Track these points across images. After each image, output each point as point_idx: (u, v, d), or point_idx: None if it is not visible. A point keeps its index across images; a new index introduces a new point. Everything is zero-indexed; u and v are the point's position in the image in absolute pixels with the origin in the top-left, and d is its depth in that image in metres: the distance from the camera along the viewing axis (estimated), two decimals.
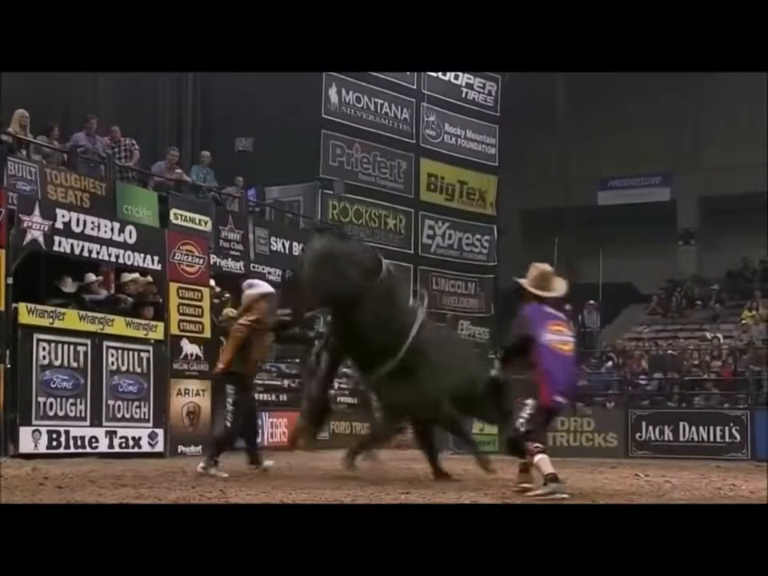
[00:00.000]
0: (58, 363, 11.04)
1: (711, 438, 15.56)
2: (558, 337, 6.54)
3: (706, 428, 15.58)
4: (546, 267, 6.83)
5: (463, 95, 21.80)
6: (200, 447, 12.48)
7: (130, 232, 12.25)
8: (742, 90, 21.75)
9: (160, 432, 12.14)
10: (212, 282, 13.70)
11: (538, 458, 6.41)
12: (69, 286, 11.91)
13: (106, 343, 11.61)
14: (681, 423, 15.72)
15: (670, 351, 18.60)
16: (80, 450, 11.04)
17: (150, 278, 12.69)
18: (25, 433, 10.60)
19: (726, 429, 15.52)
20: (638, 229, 24.06)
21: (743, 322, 19.56)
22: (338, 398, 15.03)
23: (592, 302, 20.93)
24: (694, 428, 15.63)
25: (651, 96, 23.36)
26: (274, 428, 13.79)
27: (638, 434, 15.92)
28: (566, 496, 6.26)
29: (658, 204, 24.60)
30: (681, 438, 15.54)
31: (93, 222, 11.82)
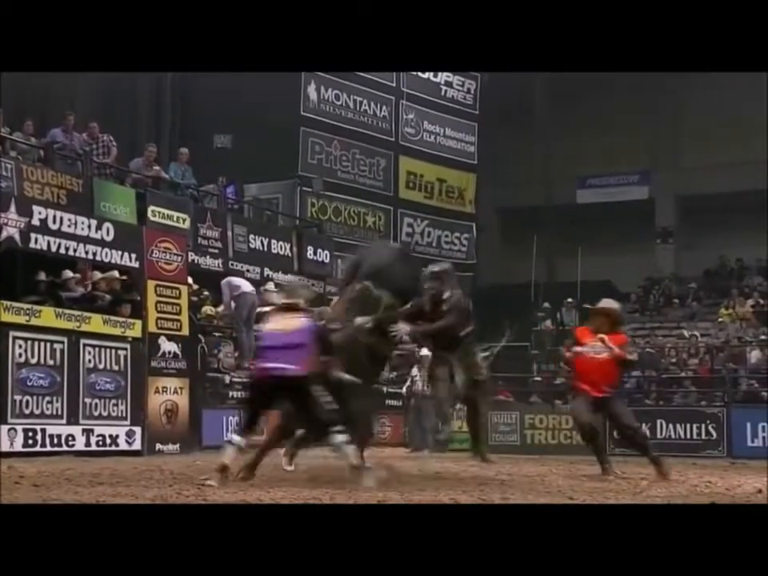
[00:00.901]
0: (34, 361, 10.96)
1: (688, 436, 15.65)
2: (277, 325, 7.30)
3: (682, 425, 15.67)
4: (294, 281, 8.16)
5: (442, 93, 21.82)
6: (177, 445, 12.45)
7: (108, 229, 12.17)
8: (721, 89, 21.85)
9: (138, 430, 12.07)
10: (190, 280, 13.64)
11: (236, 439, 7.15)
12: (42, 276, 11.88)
13: (82, 341, 11.54)
14: (658, 421, 15.79)
15: (647, 349, 18.69)
16: (56, 449, 10.97)
17: (118, 276, 12.60)
18: (1, 431, 10.52)
19: (703, 426, 15.61)
20: (617, 227, 24.17)
21: (720, 320, 19.69)
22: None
23: (570, 300, 21.00)
24: (671, 425, 15.71)
25: (630, 95, 23.45)
26: None
27: (615, 432, 15.98)
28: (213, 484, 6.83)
29: (636, 202, 24.72)
30: (658, 436, 15.59)
31: (70, 219, 11.74)
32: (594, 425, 8.98)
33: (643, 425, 15.94)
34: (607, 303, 9.13)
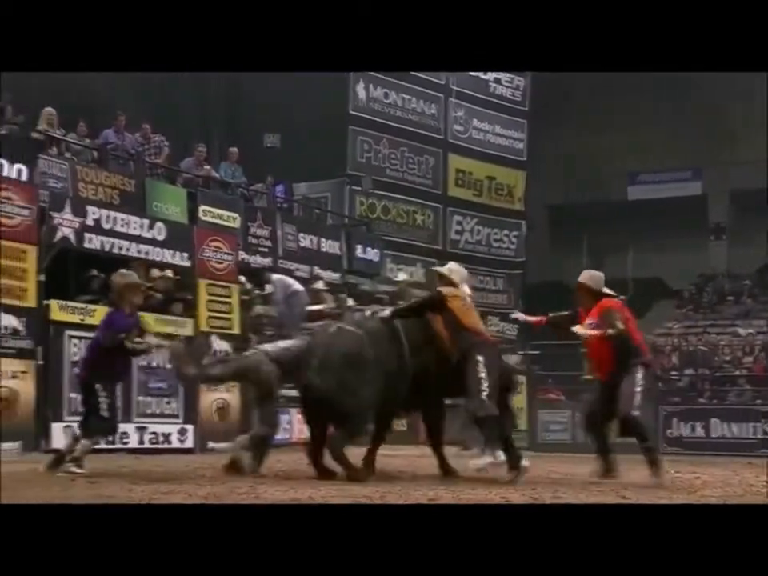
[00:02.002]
0: None
1: (743, 434, 15.43)
2: None
3: (737, 424, 15.46)
4: (132, 278, 7.97)
5: (491, 90, 21.71)
6: (230, 443, 12.52)
7: (160, 229, 12.31)
8: None
9: (190, 428, 12.19)
10: (242, 279, 13.74)
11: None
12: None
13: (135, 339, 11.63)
14: (712, 419, 15.61)
15: (701, 347, 18.46)
16: (111, 446, 11.08)
17: (172, 275, 12.72)
18: (57, 429, 10.69)
19: (758, 425, 15.38)
20: (668, 224, 23.87)
21: None
22: None
23: (622, 297, 20.75)
24: (725, 424, 15.51)
25: (682, 90, 23.13)
26: (301, 423, 13.77)
27: (669, 431, 15.84)
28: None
29: (688, 198, 24.39)
30: (712, 435, 15.44)
31: (123, 219, 11.90)
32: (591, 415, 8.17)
33: (697, 423, 15.84)
34: (580, 277, 8.19)
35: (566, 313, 8.45)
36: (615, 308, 8.08)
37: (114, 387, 7.79)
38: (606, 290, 8.18)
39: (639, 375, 7.77)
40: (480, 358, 7.55)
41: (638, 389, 7.68)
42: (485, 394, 7.46)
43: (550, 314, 8.51)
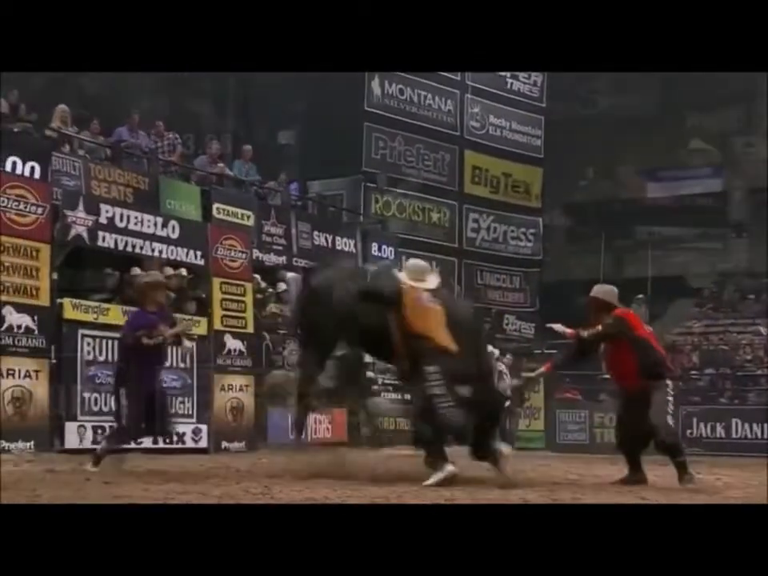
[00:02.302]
0: (102, 359, 11.06)
1: (764, 435, 15.26)
2: None
3: (759, 425, 15.29)
4: (155, 277, 8.26)
5: (508, 86, 21.59)
6: (243, 443, 12.48)
7: (173, 227, 12.26)
8: None
9: (204, 428, 12.12)
10: (257, 277, 13.68)
11: None
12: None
13: None
14: (733, 420, 15.45)
15: (721, 346, 18.28)
16: (125, 446, 11.03)
17: (186, 273, 12.67)
18: (70, 428, 10.66)
19: None
20: (688, 221, 23.70)
21: None
22: (382, 394, 14.92)
23: (641, 296, 20.63)
24: (746, 425, 15.34)
25: (702, 86, 22.94)
26: (317, 424, 13.71)
27: (688, 431, 15.66)
28: None
29: (708, 196, 24.19)
30: (733, 435, 15.28)
31: (136, 217, 11.85)
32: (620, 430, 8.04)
33: (718, 424, 15.67)
34: (593, 291, 7.95)
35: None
36: (626, 318, 7.82)
37: (141, 390, 7.72)
38: (620, 306, 7.93)
39: (668, 385, 7.64)
40: (431, 369, 6.99)
41: (669, 398, 7.58)
42: (447, 408, 6.93)
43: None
